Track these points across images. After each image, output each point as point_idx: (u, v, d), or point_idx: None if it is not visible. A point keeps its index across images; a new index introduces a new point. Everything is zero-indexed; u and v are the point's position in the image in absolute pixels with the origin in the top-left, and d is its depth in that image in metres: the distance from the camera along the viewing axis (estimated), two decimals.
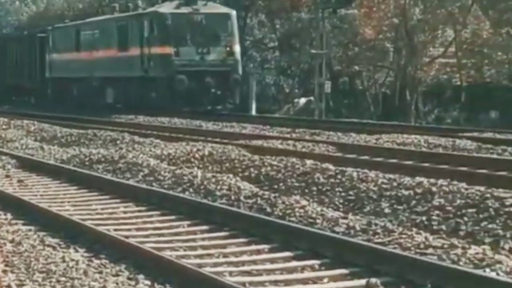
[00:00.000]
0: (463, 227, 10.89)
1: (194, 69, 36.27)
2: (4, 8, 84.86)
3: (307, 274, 9.02)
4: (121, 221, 12.35)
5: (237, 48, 38.07)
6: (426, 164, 15.94)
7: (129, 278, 8.78)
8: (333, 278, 8.74)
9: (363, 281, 8.47)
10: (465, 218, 11.12)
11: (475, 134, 23.18)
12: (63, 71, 46.51)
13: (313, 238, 10.01)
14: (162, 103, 36.73)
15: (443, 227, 11.04)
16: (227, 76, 36.70)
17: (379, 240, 9.86)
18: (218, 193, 13.71)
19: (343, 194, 13.46)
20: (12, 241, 10.22)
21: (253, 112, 40.70)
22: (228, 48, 37.43)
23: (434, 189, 12.44)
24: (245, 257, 9.86)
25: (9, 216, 12.59)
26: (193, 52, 36.85)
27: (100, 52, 42.59)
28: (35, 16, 71.95)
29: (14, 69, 55.79)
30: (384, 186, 13.21)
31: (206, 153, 18.76)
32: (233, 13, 38.94)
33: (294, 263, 9.44)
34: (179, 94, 36.03)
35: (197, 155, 18.67)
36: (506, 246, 9.95)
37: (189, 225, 11.76)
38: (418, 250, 9.33)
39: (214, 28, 37.73)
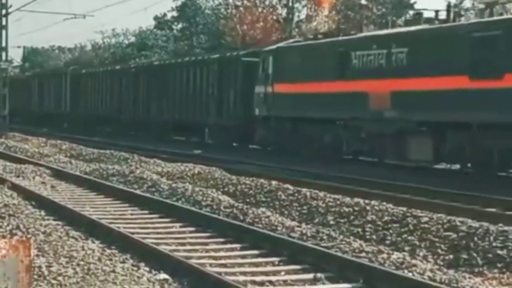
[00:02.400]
0: (389, 238, 10.89)
1: None
2: (46, 54, 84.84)
3: (269, 268, 8.98)
4: (129, 221, 12.30)
5: None
6: (363, 189, 15.94)
7: (132, 265, 8.73)
8: (288, 272, 8.70)
9: (311, 275, 8.44)
10: (391, 231, 11.12)
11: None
12: (302, 108, 23.77)
13: (275, 241, 9.98)
14: None
15: (374, 236, 11.04)
16: None
17: (325, 244, 9.81)
18: (203, 203, 13.69)
19: (298, 208, 13.45)
20: (44, 232, 10.15)
21: None
22: None
23: (368, 207, 12.43)
24: (222, 253, 9.81)
25: (43, 213, 12.59)
26: None
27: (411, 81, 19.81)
28: (70, 62, 71.86)
29: (180, 102, 34.06)
30: (330, 203, 13.19)
31: (196, 172, 18.80)
32: None
33: (259, 259, 9.40)
34: None
35: (189, 174, 18.70)
36: (421, 253, 9.95)
37: (180, 226, 11.72)
38: (354, 254, 9.30)
39: None
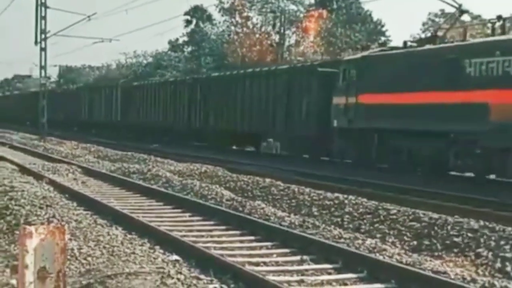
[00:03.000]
0: (363, 226, 10.88)
1: None
2: (78, 72, 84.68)
3: (263, 251, 8.97)
4: (147, 211, 12.26)
5: None
6: (342, 185, 15.91)
7: (150, 248, 8.71)
8: (279, 254, 8.69)
9: (298, 257, 8.43)
10: (365, 221, 11.13)
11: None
12: (396, 119, 18.78)
13: (268, 229, 9.97)
14: None
15: (351, 225, 11.03)
16: None
17: (310, 232, 9.82)
18: (209, 196, 13.67)
19: (288, 201, 13.44)
20: (75, 220, 10.12)
21: None
22: None
23: (346, 201, 12.43)
24: (224, 238, 9.80)
25: (74, 204, 12.53)
26: None
27: None
28: (99, 78, 71.76)
29: (242, 112, 29.01)
30: (314, 197, 13.19)
31: (203, 171, 18.75)
32: None
33: (255, 244, 9.40)
34: None
35: (196, 172, 18.66)
36: (390, 240, 9.95)
37: (189, 216, 11.69)
38: (334, 239, 9.30)
39: None
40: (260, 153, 29.63)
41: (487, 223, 9.95)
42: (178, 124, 35.26)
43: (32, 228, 4.34)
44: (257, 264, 8.14)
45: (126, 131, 42.06)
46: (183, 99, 34.87)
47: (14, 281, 6.86)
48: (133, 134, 40.68)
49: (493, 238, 9.20)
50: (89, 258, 7.75)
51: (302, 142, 24.93)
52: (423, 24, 54.95)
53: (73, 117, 50.86)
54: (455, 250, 9.11)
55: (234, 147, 31.95)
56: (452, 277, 7.30)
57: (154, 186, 15.41)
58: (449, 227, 9.92)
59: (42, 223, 9.50)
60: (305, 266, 8.04)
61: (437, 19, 54.43)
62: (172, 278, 6.67)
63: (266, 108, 27.38)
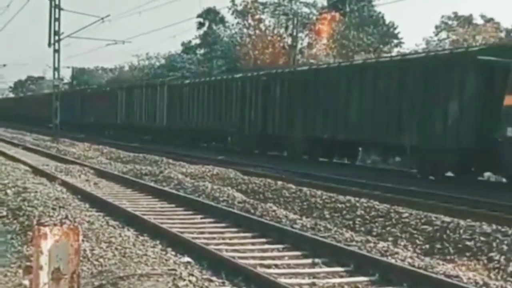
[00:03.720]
0: (375, 230, 10.86)
1: None
2: (91, 74, 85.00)
3: (275, 253, 8.96)
4: (158, 213, 12.28)
5: None
6: (353, 188, 15.86)
7: (161, 249, 8.73)
8: (291, 257, 8.68)
9: (310, 260, 8.43)
10: (377, 224, 11.11)
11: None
12: None
13: (280, 231, 9.96)
14: None
15: (362, 228, 11.01)
16: None
17: (322, 235, 9.81)
18: (220, 198, 13.67)
19: (300, 204, 13.43)
20: (88, 221, 10.16)
21: None
22: None
23: (357, 204, 12.41)
24: (236, 240, 9.79)
25: (87, 205, 12.56)
26: None
27: None
28: (111, 80, 71.98)
29: (343, 116, 22.61)
30: (326, 200, 13.17)
31: (214, 173, 18.76)
32: None
33: (266, 246, 9.38)
34: None
35: (208, 174, 18.66)
36: (402, 243, 9.92)
37: (201, 218, 11.70)
38: (346, 242, 9.29)
39: None
40: (361, 166, 23.86)
41: (499, 227, 9.91)
42: (245, 129, 29.16)
43: (47, 229, 4.37)
44: (268, 266, 8.14)
45: (174, 137, 36.08)
46: (254, 98, 28.55)
47: (26, 282, 6.90)
48: (182, 140, 35.14)
49: (505, 242, 9.16)
50: (101, 260, 7.78)
51: (445, 157, 18.49)
52: (436, 27, 54.86)
53: (106, 121, 46.30)
54: (468, 254, 9.08)
55: (322, 159, 25.07)
56: (465, 281, 7.27)
57: (166, 188, 15.43)
58: (461, 231, 9.88)
59: (55, 224, 9.55)
60: (317, 269, 8.03)
61: (450, 22, 54.31)
62: (184, 280, 6.68)
63: (385, 110, 20.55)
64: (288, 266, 8.22)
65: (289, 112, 26.01)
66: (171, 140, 35.63)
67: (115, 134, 43.70)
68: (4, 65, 66.28)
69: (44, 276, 4.36)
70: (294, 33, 47.31)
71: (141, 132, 41.42)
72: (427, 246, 9.68)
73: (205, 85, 34.02)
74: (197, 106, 33.87)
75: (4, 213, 11.01)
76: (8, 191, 13.37)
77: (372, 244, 9.14)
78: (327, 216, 12.14)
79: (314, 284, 7.34)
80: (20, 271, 7.53)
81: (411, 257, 8.47)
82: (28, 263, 7.53)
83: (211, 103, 32.49)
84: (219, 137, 32.51)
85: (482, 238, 9.47)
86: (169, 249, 8.75)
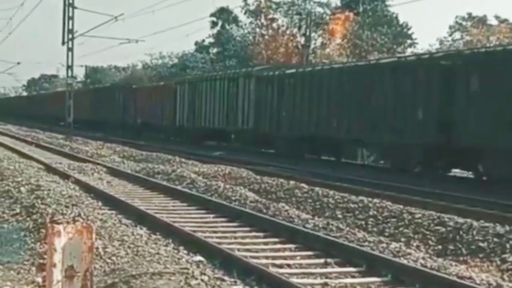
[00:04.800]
0: (387, 230, 10.84)
1: None
2: (104, 72, 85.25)
3: (287, 253, 8.96)
4: (171, 212, 12.29)
5: None
6: (365, 189, 15.83)
7: (174, 248, 8.76)
8: (303, 257, 8.67)
9: (322, 260, 8.43)
10: (389, 224, 11.08)
11: None
12: None
13: (292, 231, 9.95)
14: None
15: (375, 229, 10.99)
16: None
17: (334, 235, 9.79)
18: (233, 198, 13.67)
19: (312, 204, 13.42)
20: (100, 220, 10.19)
21: None
22: None
23: (370, 204, 12.38)
24: (248, 240, 9.80)
25: (100, 203, 12.62)
26: None
27: None
28: (124, 79, 72.14)
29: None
30: (338, 200, 13.15)
31: (227, 172, 18.78)
32: None
33: (278, 246, 9.38)
34: None
35: (221, 173, 18.69)
36: (414, 244, 9.90)
37: (213, 217, 11.71)
38: (358, 243, 9.27)
39: None
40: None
41: None
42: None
43: (61, 227, 4.39)
44: (280, 266, 8.14)
45: (269, 144, 27.90)
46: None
47: (39, 279, 6.94)
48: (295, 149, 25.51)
49: None
50: (114, 258, 7.80)
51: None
52: (450, 28, 54.64)
53: (158, 122, 39.01)
54: (481, 255, 9.05)
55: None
56: (478, 282, 7.25)
57: (179, 187, 15.45)
58: (474, 232, 9.85)
59: (67, 222, 9.60)
60: (329, 269, 8.02)
61: (464, 23, 54.07)
62: (196, 279, 6.69)
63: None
64: (300, 266, 8.22)
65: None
66: (278, 148, 26.76)
67: (175, 141, 35.51)
68: (18, 63, 66.59)
69: (57, 274, 4.38)
70: (307, 33, 47.24)
71: (212, 137, 33.64)
72: (440, 247, 9.65)
73: (313, 75, 24.99)
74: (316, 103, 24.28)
75: (18, 211, 11.07)
76: (22, 188, 13.44)
77: (384, 245, 9.12)
78: (340, 216, 12.12)
79: (326, 284, 7.34)
80: (33, 268, 7.58)
81: (423, 258, 8.45)
82: (41, 261, 7.57)
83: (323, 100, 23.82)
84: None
85: (495, 239, 9.43)
86: (181, 248, 8.78)
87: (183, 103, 35.97)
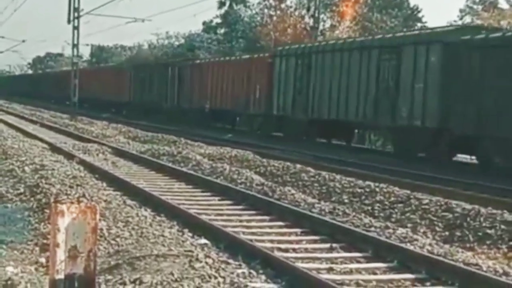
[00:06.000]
0: (394, 216, 10.83)
1: None
2: (110, 51, 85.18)
3: (292, 237, 8.97)
4: (176, 193, 12.31)
5: None
6: (373, 173, 15.79)
7: (178, 230, 8.77)
8: (309, 242, 8.68)
9: (328, 245, 8.43)
10: (396, 210, 11.07)
11: None
12: None
13: (298, 215, 9.96)
14: None
15: (382, 214, 10.98)
16: None
17: (340, 219, 9.79)
18: (239, 180, 13.69)
19: (318, 188, 13.40)
20: (105, 201, 10.20)
21: None
22: None
23: (377, 189, 12.36)
24: (253, 223, 9.81)
25: (104, 184, 12.63)
26: None
27: None
28: (130, 59, 72.08)
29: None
30: (345, 185, 13.13)
31: (233, 154, 18.77)
32: None
33: (284, 230, 9.39)
34: None
35: (227, 156, 18.68)
36: (421, 230, 9.90)
37: (219, 200, 11.72)
38: (364, 228, 9.27)
39: None
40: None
41: None
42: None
43: (64, 207, 4.39)
44: (286, 250, 8.15)
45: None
46: None
47: (43, 259, 6.97)
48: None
49: None
50: (118, 239, 7.83)
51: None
52: (461, 11, 54.35)
53: (239, 109, 29.92)
54: (488, 242, 9.05)
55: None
56: (484, 269, 7.25)
57: (184, 169, 15.46)
58: (482, 219, 9.84)
59: (72, 202, 9.62)
60: (335, 254, 8.03)
61: (475, 6, 53.76)
62: (201, 261, 6.71)
63: None
64: (306, 250, 8.23)
65: None
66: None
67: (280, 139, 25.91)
68: (23, 41, 66.49)
69: (60, 254, 4.39)
70: (316, 14, 47.02)
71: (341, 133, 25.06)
72: (447, 233, 9.65)
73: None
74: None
75: (22, 190, 11.10)
76: (26, 168, 13.48)
77: (391, 230, 9.12)
78: (346, 200, 12.11)
79: (331, 269, 7.34)
80: (37, 248, 7.61)
81: (430, 244, 8.44)
82: (44, 241, 7.60)
83: None
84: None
85: (503, 227, 9.43)
86: (186, 230, 8.79)
87: (286, 84, 26.31)
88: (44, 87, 67.03)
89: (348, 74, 22.76)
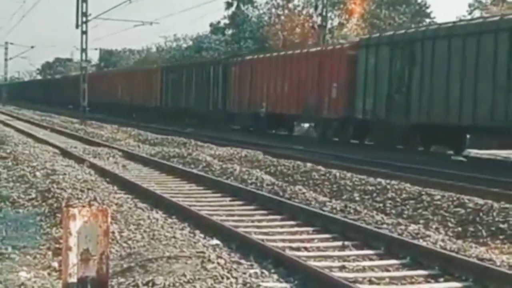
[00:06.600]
0: (406, 212, 10.81)
1: None
2: (119, 55, 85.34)
3: (304, 236, 8.98)
4: (187, 195, 12.32)
5: None
6: (384, 170, 15.78)
7: (190, 232, 8.79)
8: (321, 240, 8.69)
9: (340, 243, 8.44)
10: (408, 206, 11.05)
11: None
12: None
13: (309, 214, 9.98)
14: None
15: (393, 211, 10.97)
16: None
17: (352, 217, 9.79)
18: (249, 181, 13.70)
19: (329, 186, 13.39)
20: (116, 204, 10.22)
21: None
22: None
23: (388, 186, 12.34)
24: (264, 223, 9.82)
25: (115, 187, 12.65)
26: None
27: None
28: (138, 62, 72.22)
29: None
30: (356, 183, 13.11)
31: (243, 155, 18.78)
32: None
33: (296, 229, 9.39)
34: None
35: (237, 156, 18.69)
36: (434, 226, 9.88)
37: (230, 200, 11.74)
38: (376, 225, 9.27)
39: None
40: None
41: None
42: None
43: (76, 211, 4.42)
44: (298, 249, 8.16)
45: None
46: None
47: (56, 264, 7.01)
48: None
49: None
50: (130, 242, 7.84)
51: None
52: (469, 6, 54.15)
53: (306, 113, 26.06)
54: (501, 237, 9.02)
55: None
56: (498, 264, 7.23)
57: (194, 170, 15.49)
58: (494, 213, 9.81)
59: (84, 206, 9.66)
60: (347, 252, 8.03)
61: (484, 0, 53.56)
62: (213, 262, 6.72)
63: None
64: (318, 249, 8.22)
65: None
66: None
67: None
68: (32, 47, 66.80)
69: (73, 257, 4.42)
70: (324, 13, 46.99)
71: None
72: (460, 229, 9.63)
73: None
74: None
75: (33, 195, 11.15)
76: (37, 173, 13.53)
77: (403, 227, 9.11)
78: (357, 198, 12.11)
79: (344, 267, 7.35)
80: (49, 253, 7.64)
81: (443, 240, 8.43)
82: (57, 245, 7.63)
83: None
84: None
85: None
86: (197, 232, 8.81)
87: (377, 81, 21.94)
88: (58, 92, 66.32)
89: (476, 65, 17.84)
